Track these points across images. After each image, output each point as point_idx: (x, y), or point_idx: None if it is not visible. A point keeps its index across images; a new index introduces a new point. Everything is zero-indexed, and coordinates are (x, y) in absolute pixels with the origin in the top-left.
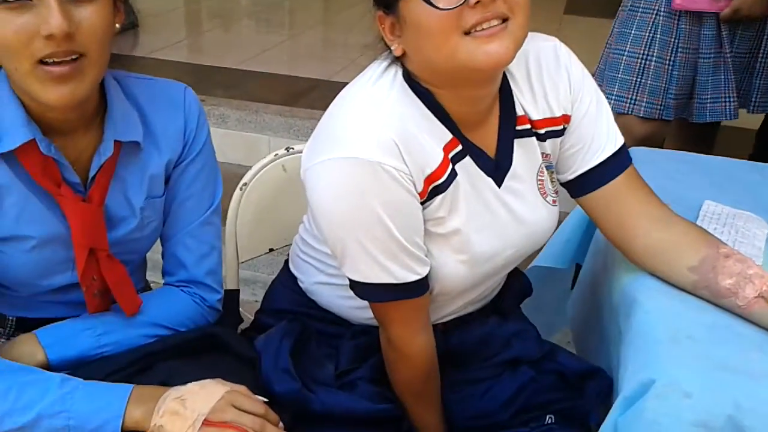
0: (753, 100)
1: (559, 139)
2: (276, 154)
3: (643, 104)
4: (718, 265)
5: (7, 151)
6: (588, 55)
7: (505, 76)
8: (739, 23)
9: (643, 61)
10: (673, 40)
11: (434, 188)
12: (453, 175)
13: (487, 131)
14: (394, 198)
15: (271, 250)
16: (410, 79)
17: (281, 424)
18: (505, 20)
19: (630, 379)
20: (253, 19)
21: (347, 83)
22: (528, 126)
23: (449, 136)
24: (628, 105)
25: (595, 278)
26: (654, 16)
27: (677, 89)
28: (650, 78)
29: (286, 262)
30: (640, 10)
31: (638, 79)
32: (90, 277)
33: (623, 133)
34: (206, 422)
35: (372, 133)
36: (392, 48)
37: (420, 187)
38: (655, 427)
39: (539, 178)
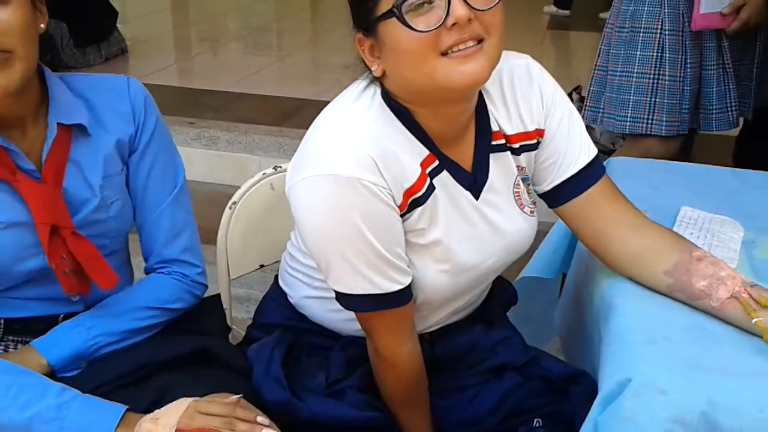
0: (748, 104)
1: (533, 153)
2: (264, 173)
3: (663, 123)
4: (691, 269)
5: None
6: (569, 69)
7: (480, 94)
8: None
9: (655, 81)
10: (680, 56)
11: (413, 201)
12: (431, 188)
13: (463, 147)
14: (374, 211)
15: (261, 266)
16: (389, 98)
17: (261, 418)
18: (480, 41)
19: (608, 379)
20: (242, 42)
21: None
22: (503, 141)
23: (426, 152)
24: (645, 125)
25: (578, 286)
26: (658, 35)
27: (689, 103)
28: (665, 97)
29: (276, 277)
30: (642, 30)
31: (652, 99)
32: (59, 256)
33: (641, 156)
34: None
35: (351, 151)
36: (372, 69)
37: (399, 201)
38: (632, 425)
39: (516, 190)
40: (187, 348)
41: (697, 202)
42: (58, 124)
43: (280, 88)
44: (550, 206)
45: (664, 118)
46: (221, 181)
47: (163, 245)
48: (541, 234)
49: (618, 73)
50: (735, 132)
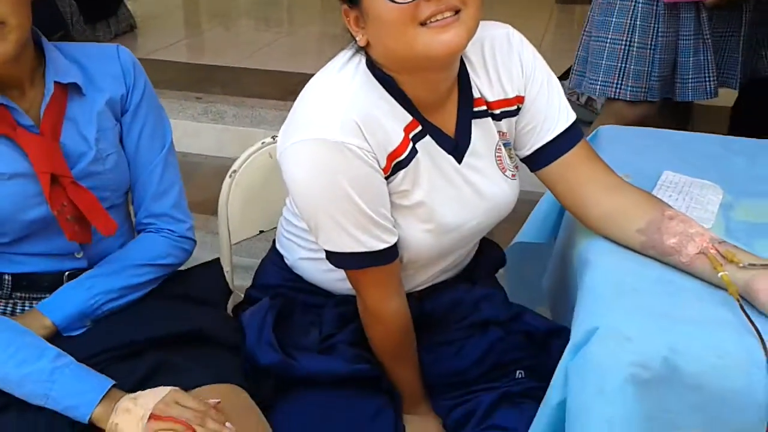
0: (737, 76)
1: (513, 119)
2: (263, 142)
3: (629, 88)
4: (663, 227)
5: None
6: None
7: (462, 62)
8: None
9: (626, 47)
10: (653, 25)
11: (396, 164)
12: (414, 152)
13: (446, 113)
14: (359, 173)
15: (261, 231)
16: (373, 66)
17: (228, 424)
18: (457, 12)
19: (578, 328)
20: (251, 17)
21: None
22: (484, 107)
23: (409, 117)
24: (614, 90)
25: (563, 249)
26: (633, 3)
27: (660, 71)
28: (633, 63)
29: (274, 241)
30: None
31: (622, 65)
32: (60, 203)
33: (614, 119)
34: (153, 417)
35: (336, 116)
36: (357, 38)
37: (383, 164)
38: (598, 369)
39: (497, 154)
40: (182, 328)
41: (680, 167)
42: (55, 82)
43: (288, 62)
44: (531, 170)
45: (630, 84)
46: (228, 154)
47: (151, 199)
48: (533, 200)
49: (594, 38)
50: (731, 103)
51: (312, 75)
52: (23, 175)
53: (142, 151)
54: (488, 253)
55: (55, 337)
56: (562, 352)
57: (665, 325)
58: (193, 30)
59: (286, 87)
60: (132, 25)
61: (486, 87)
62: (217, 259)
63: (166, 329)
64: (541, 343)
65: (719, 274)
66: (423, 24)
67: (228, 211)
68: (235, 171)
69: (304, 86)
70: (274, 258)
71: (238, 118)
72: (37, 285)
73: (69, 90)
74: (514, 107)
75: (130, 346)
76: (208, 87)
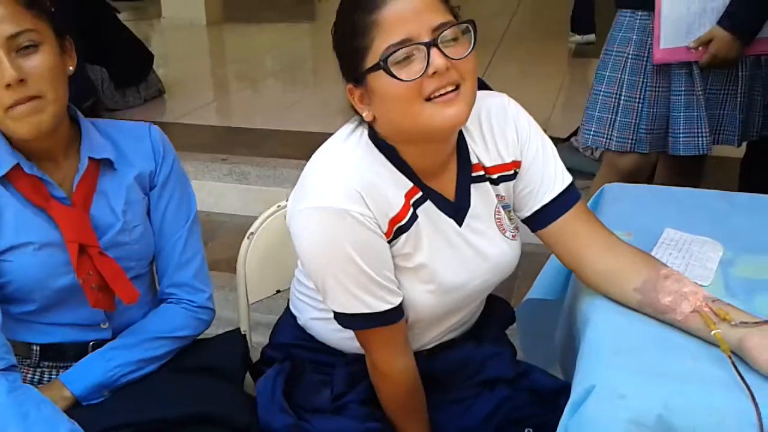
0: (737, 133)
1: (511, 183)
2: (279, 206)
3: (614, 139)
4: (658, 285)
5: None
6: None
7: (460, 130)
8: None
9: (616, 100)
10: (640, 80)
11: (398, 229)
12: (414, 216)
13: (446, 179)
14: (362, 239)
15: (278, 291)
16: (375, 137)
17: None
18: (457, 86)
19: (577, 387)
20: (277, 79)
21: None
22: (482, 172)
23: (410, 184)
24: (604, 140)
25: (570, 306)
26: (624, 59)
27: (648, 124)
28: (621, 115)
29: (288, 302)
30: (614, 54)
31: (612, 117)
32: (86, 272)
33: (608, 169)
34: None
35: (339, 185)
36: (363, 114)
37: (385, 228)
38: (595, 427)
39: (497, 216)
40: (198, 409)
41: (683, 224)
42: (89, 158)
43: (311, 123)
44: (531, 230)
45: (616, 134)
46: (251, 213)
47: (174, 269)
48: (546, 253)
49: (592, 91)
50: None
51: (334, 134)
52: (53, 244)
53: (167, 224)
54: (497, 310)
55: (75, 405)
56: None
57: (660, 383)
58: (219, 93)
59: (310, 147)
60: (161, 90)
61: (483, 153)
62: (237, 330)
63: (183, 410)
64: (549, 401)
65: (712, 332)
66: (428, 99)
67: (246, 271)
68: (252, 233)
69: None
70: (287, 318)
71: (262, 178)
72: (63, 355)
73: (101, 165)
74: (512, 171)
75: (148, 424)
76: (234, 148)
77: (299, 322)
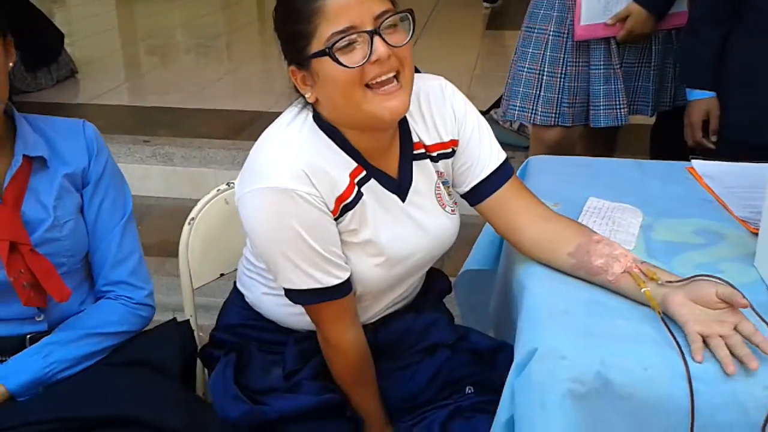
0: (651, 103)
1: (450, 160)
2: (218, 189)
3: (539, 113)
4: (590, 249)
5: None
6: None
7: None
8: None
9: (539, 76)
10: (561, 56)
11: (344, 206)
12: (359, 195)
13: (390, 157)
14: (309, 217)
15: (222, 274)
16: (320, 119)
17: None
18: (397, 73)
19: (520, 349)
20: (192, 56)
21: None
22: (423, 150)
23: (354, 164)
24: (529, 115)
25: (504, 274)
26: (546, 36)
27: (570, 98)
28: (544, 90)
29: (235, 282)
30: (535, 31)
31: (536, 92)
32: (17, 270)
33: (536, 142)
34: None
35: (286, 166)
36: (306, 96)
37: (332, 206)
38: (539, 386)
39: (437, 192)
40: (119, 411)
41: (604, 192)
42: (23, 155)
43: (232, 101)
44: (470, 205)
45: (541, 109)
46: (178, 195)
47: (110, 268)
48: (477, 229)
49: (516, 67)
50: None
51: (259, 112)
52: None
53: (101, 222)
54: (434, 281)
55: (9, 399)
56: (507, 366)
57: (596, 343)
58: (134, 71)
59: (233, 126)
60: (73, 70)
61: (423, 132)
62: (174, 321)
63: (110, 410)
64: (487, 359)
65: (642, 290)
66: (368, 86)
67: (189, 258)
68: (193, 219)
69: (250, 124)
70: (234, 298)
71: (187, 159)
72: (0, 349)
73: (34, 162)
74: (449, 150)
75: (81, 421)
76: (155, 129)
77: (248, 300)
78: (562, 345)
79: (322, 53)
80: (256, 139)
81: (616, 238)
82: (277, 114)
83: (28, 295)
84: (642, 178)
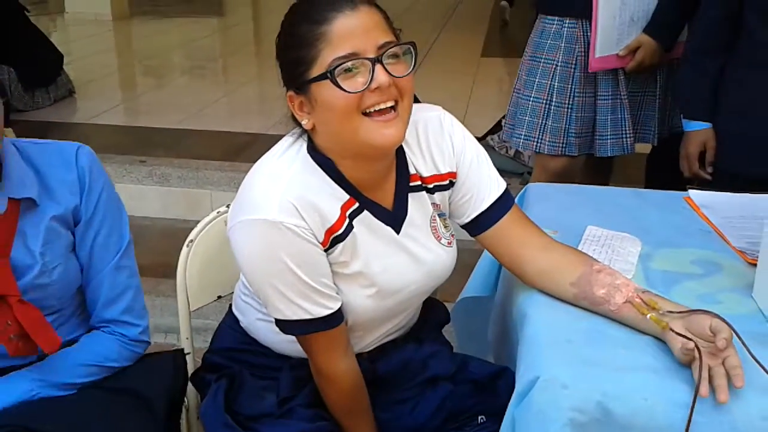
0: (655, 132)
1: (447, 192)
2: (218, 212)
3: (547, 143)
4: (592, 279)
5: None
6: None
7: None
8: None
9: (546, 106)
10: (569, 86)
11: (334, 238)
12: (350, 227)
13: (385, 189)
14: (298, 249)
15: (219, 297)
16: (314, 150)
17: None
18: (395, 103)
19: (521, 378)
20: (189, 77)
21: (283, 135)
22: (419, 182)
23: (346, 196)
24: (535, 144)
25: (503, 301)
26: (554, 66)
27: (577, 128)
28: (552, 120)
29: (230, 306)
30: (542, 61)
31: (543, 122)
32: (4, 322)
33: (541, 170)
34: None
35: (274, 198)
36: (303, 122)
37: (321, 238)
38: (541, 415)
39: (432, 224)
40: None
41: (602, 221)
42: (9, 199)
43: (229, 122)
44: (471, 235)
45: (548, 139)
46: (174, 216)
47: (102, 307)
48: (473, 255)
49: (521, 96)
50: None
51: (256, 134)
52: None
53: (94, 259)
54: (432, 311)
55: None
56: (508, 392)
57: (597, 373)
58: (131, 92)
59: (231, 147)
60: (71, 91)
61: (420, 163)
62: (174, 352)
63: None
64: (487, 386)
65: (647, 316)
66: (366, 113)
67: (187, 280)
68: (192, 240)
69: (248, 146)
70: (229, 321)
71: (184, 180)
72: None
73: (22, 202)
74: (446, 182)
75: None
76: (151, 149)
77: (242, 324)
78: (564, 374)
79: (323, 77)
80: (253, 162)
81: (615, 266)
82: (275, 136)
83: (15, 346)
84: (640, 206)
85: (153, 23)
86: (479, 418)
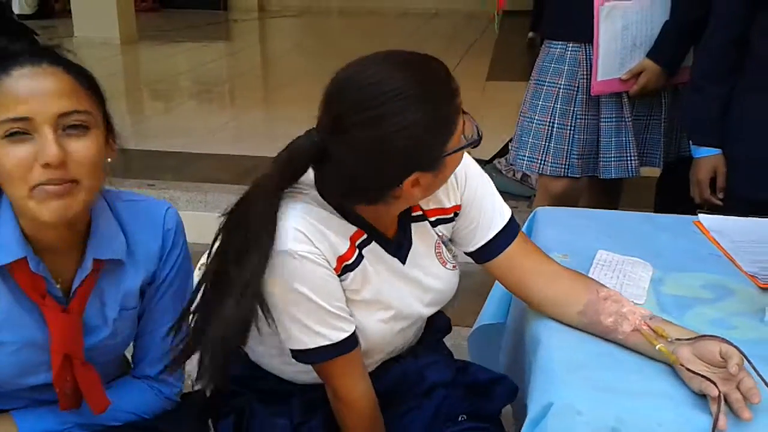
0: (660, 155)
1: (450, 224)
2: None
3: (549, 164)
4: (599, 307)
5: (2, 265)
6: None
7: None
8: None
9: (549, 128)
10: (572, 108)
11: (345, 266)
12: (360, 257)
13: (389, 220)
14: (313, 275)
15: None
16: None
17: None
18: None
19: (534, 404)
20: (196, 101)
21: None
22: (420, 213)
23: (354, 228)
24: (538, 165)
25: (515, 327)
26: (557, 89)
27: (579, 150)
28: (554, 141)
29: None
30: (546, 84)
31: (545, 143)
32: (64, 379)
33: (544, 192)
34: None
35: (285, 231)
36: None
37: (333, 265)
38: None
39: (437, 251)
40: None
41: (612, 245)
42: (93, 259)
43: (236, 146)
44: (477, 263)
45: (551, 160)
46: None
47: (148, 364)
48: (478, 278)
49: (526, 118)
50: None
51: (263, 157)
52: (36, 344)
53: (152, 318)
54: (432, 321)
55: None
56: (503, 396)
57: (611, 398)
58: (139, 115)
59: (238, 171)
60: None
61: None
62: (196, 393)
63: None
64: (484, 390)
65: (656, 347)
66: None
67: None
68: (203, 264)
69: (256, 169)
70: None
71: (192, 203)
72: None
73: (107, 261)
74: (450, 215)
75: None
76: (159, 173)
77: (251, 358)
78: (578, 400)
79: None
80: None
81: (626, 292)
82: None
83: (68, 401)
84: (650, 231)
85: (160, 47)
86: (459, 417)
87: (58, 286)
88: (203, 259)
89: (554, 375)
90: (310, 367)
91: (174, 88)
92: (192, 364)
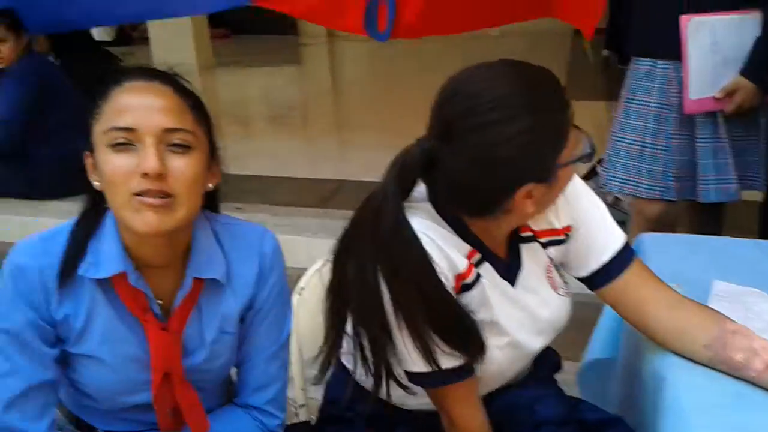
0: (760, 177)
1: (562, 246)
2: (327, 259)
3: (644, 186)
4: (727, 342)
5: (103, 278)
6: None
7: None
8: None
9: (641, 148)
10: (664, 128)
11: (464, 285)
12: (478, 276)
13: (499, 239)
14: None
15: None
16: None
17: None
18: None
19: None
20: (272, 126)
21: (369, 182)
22: (530, 233)
23: (468, 247)
24: (632, 187)
25: (628, 360)
26: (648, 108)
27: (675, 172)
28: (647, 162)
29: (339, 355)
30: (635, 102)
31: (639, 164)
32: (164, 398)
33: (638, 215)
34: None
35: None
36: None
37: (452, 283)
38: None
39: (548, 275)
40: None
41: (722, 274)
42: (193, 278)
43: (314, 170)
44: (590, 289)
45: (645, 182)
46: None
47: (249, 393)
48: (586, 309)
49: (617, 138)
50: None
51: (342, 180)
52: (136, 360)
53: (254, 344)
54: (544, 357)
55: None
56: None
57: None
58: (221, 140)
59: (319, 194)
60: None
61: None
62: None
63: None
64: (595, 430)
65: None
66: None
67: (299, 327)
68: (303, 288)
69: (337, 192)
70: (339, 373)
71: (279, 227)
72: None
73: (207, 281)
74: (562, 236)
75: None
76: (245, 196)
77: (353, 376)
78: None
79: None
80: (344, 207)
81: (751, 326)
82: (362, 182)
83: (168, 421)
84: (762, 258)
85: (235, 72)
86: None
87: (159, 303)
88: (303, 283)
89: (687, 416)
90: (417, 391)
91: (250, 113)
92: (293, 393)
